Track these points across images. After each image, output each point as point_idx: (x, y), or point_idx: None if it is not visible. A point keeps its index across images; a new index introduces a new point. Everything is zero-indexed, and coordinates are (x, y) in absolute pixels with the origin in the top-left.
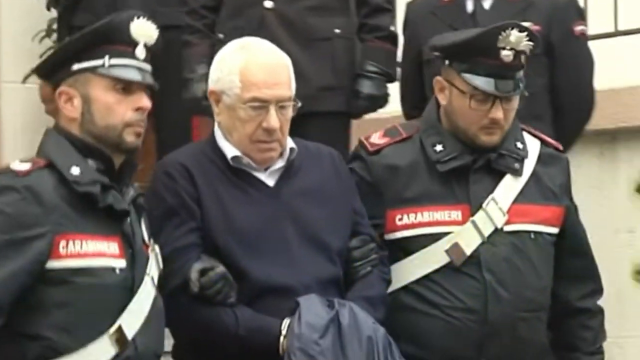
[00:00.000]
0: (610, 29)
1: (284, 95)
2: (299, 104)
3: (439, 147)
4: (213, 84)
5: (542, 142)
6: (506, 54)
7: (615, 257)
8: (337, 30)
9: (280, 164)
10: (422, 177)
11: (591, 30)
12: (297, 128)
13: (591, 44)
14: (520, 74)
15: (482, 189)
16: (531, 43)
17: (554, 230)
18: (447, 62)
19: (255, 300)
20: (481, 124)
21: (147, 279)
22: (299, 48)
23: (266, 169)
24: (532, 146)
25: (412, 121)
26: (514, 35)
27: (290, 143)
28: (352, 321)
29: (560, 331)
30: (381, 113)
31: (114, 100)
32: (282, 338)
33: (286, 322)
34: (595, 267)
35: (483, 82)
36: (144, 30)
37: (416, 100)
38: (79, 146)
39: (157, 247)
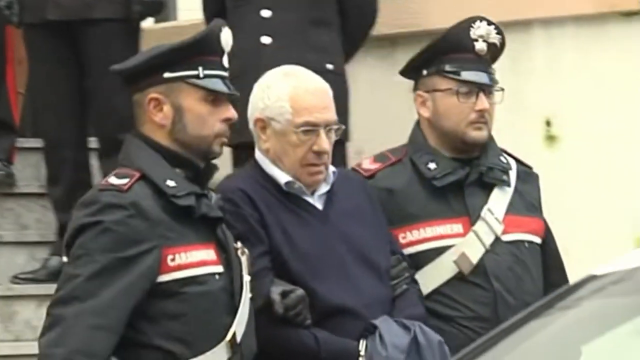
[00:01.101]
0: None
1: (331, 118)
2: (343, 127)
3: (432, 165)
4: (259, 112)
5: (517, 160)
6: (480, 46)
7: None
8: None
9: (325, 188)
10: (418, 196)
11: None
12: (75, 36)
13: None
14: (493, 68)
15: (477, 201)
16: (499, 36)
17: (540, 241)
18: (424, 72)
19: (322, 321)
20: (469, 118)
21: (245, 281)
22: None
23: (313, 193)
24: (511, 163)
25: (398, 146)
26: (484, 27)
27: (331, 167)
28: (426, 340)
29: None
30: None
31: (206, 111)
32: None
33: (363, 343)
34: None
35: (467, 75)
36: (229, 39)
37: (218, 9)
38: (167, 156)
39: (246, 251)
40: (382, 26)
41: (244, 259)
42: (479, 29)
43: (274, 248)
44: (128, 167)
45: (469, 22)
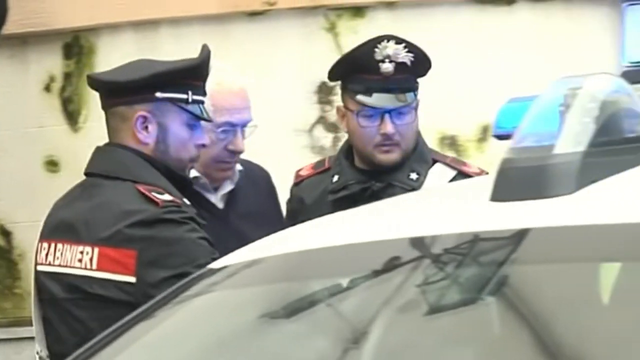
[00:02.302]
0: None
1: (249, 119)
2: (257, 126)
3: (335, 178)
4: None
5: (461, 172)
6: (386, 67)
7: (27, 150)
8: None
9: (229, 187)
10: (323, 208)
11: None
12: None
13: None
14: (409, 86)
15: None
16: (411, 54)
17: None
18: (342, 87)
19: None
20: (374, 141)
21: None
22: None
23: (216, 190)
24: (440, 177)
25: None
26: (391, 46)
27: (238, 165)
28: None
29: None
30: None
31: (187, 135)
32: None
33: None
34: None
35: (367, 98)
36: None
37: None
38: (164, 174)
39: None
40: (12, 25)
41: None
42: (385, 49)
43: None
44: (131, 180)
45: (375, 42)
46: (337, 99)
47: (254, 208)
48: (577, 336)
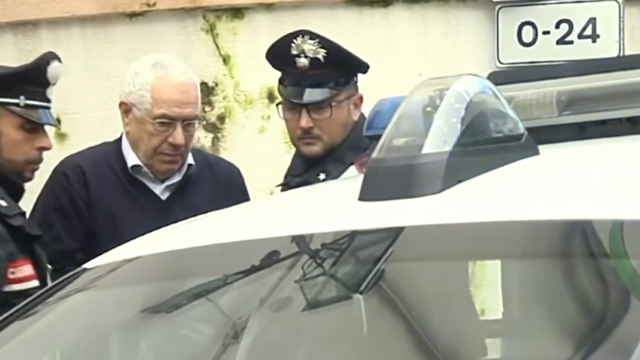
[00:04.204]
0: None
1: (190, 114)
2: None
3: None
4: (125, 95)
5: None
6: (301, 62)
7: None
8: None
9: (176, 178)
10: None
11: None
12: None
13: None
14: (323, 81)
15: None
16: (323, 50)
17: None
18: None
19: None
20: (297, 134)
21: None
22: None
23: (163, 182)
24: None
25: None
26: (306, 42)
27: (189, 159)
28: None
29: None
30: None
31: (20, 138)
32: None
33: None
34: None
35: (285, 90)
36: (57, 73)
37: None
38: None
39: (49, 267)
40: None
41: (48, 275)
42: (299, 45)
43: (90, 226)
44: None
45: (291, 37)
46: (217, 99)
47: (203, 201)
48: (446, 330)
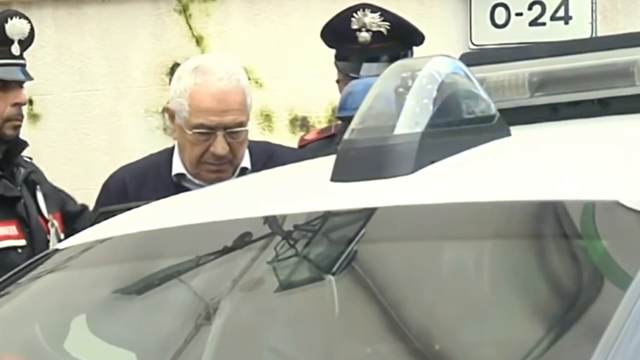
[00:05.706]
0: None
1: (231, 122)
2: (247, 129)
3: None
4: (170, 101)
5: None
6: (363, 36)
7: None
8: None
9: None
10: None
11: None
12: None
13: None
14: (386, 54)
15: None
16: (387, 22)
17: None
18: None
19: None
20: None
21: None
22: None
23: None
24: None
25: None
26: (368, 16)
27: (245, 162)
28: None
29: None
30: None
31: None
32: None
33: None
34: None
35: (344, 66)
36: (19, 29)
37: None
38: None
39: (55, 222)
40: None
41: (52, 231)
42: (359, 19)
43: None
44: None
45: (351, 11)
46: None
47: None
48: (419, 311)
